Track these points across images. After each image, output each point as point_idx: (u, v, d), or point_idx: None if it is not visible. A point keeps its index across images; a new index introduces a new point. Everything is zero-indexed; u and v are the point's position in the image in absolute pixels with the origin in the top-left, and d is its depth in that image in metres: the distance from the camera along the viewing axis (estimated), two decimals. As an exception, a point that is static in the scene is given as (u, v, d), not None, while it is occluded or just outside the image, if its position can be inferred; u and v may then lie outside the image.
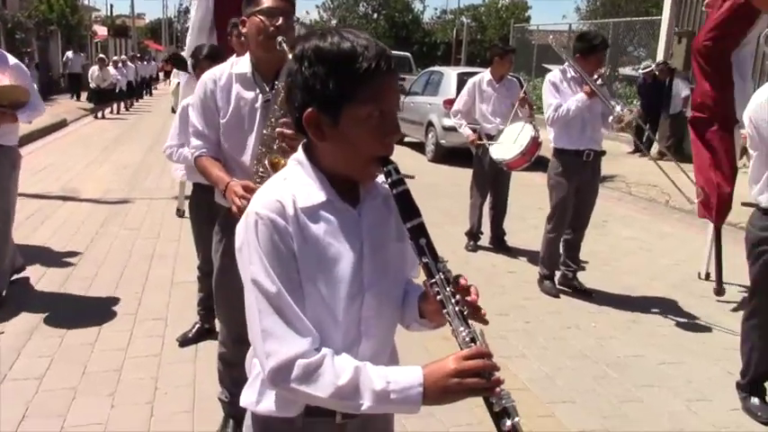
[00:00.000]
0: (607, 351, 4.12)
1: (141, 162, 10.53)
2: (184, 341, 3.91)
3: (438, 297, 1.26)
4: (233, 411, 2.91)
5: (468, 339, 1.23)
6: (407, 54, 18.85)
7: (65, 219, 6.71)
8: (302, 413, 1.34)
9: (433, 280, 1.26)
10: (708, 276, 5.61)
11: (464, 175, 7.59)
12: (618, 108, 4.68)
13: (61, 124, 15.03)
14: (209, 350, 3.69)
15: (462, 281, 1.29)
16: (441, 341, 4.14)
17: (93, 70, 17.77)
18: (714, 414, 3.41)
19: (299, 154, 1.34)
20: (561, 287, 5.18)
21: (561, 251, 5.21)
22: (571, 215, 5.08)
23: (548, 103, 4.89)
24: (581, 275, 5.26)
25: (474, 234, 6.31)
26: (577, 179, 4.94)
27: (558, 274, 5.24)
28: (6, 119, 4.13)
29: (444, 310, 1.25)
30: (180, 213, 6.82)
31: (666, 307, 4.97)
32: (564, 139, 4.93)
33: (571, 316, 4.68)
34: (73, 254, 5.53)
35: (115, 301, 4.54)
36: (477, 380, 1.19)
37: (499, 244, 6.34)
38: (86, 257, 5.46)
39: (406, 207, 1.27)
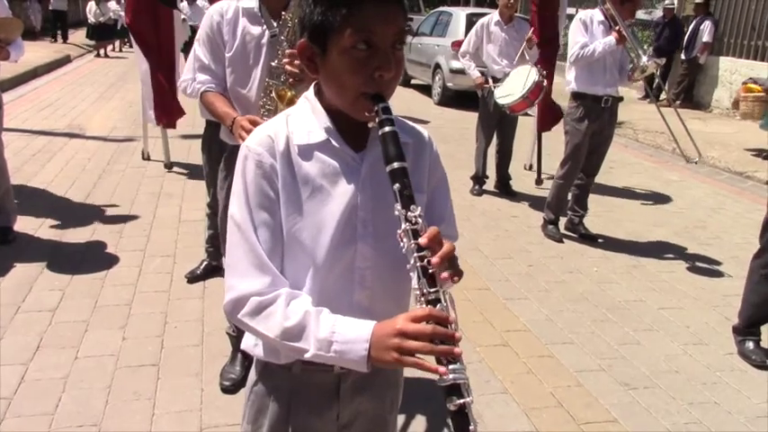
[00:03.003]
0: (607, 295, 4.19)
1: (146, 100, 10.41)
2: (192, 278, 3.97)
3: (403, 249, 1.16)
4: (240, 345, 2.98)
5: (424, 300, 1.11)
6: (416, -7, 18.39)
7: (71, 156, 6.72)
8: (300, 360, 1.30)
9: (400, 230, 1.15)
10: (531, 167, 7.00)
11: (470, 119, 7.54)
12: (644, 59, 4.57)
13: (65, 60, 14.86)
14: (217, 287, 3.77)
15: (430, 233, 1.14)
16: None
17: (91, 6, 17.06)
18: (709, 357, 3.50)
19: (310, 90, 1.30)
20: (566, 232, 5.22)
21: (570, 196, 5.22)
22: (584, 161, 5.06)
23: (575, 40, 4.75)
24: (585, 221, 5.28)
25: (479, 178, 6.32)
26: (594, 126, 4.87)
27: (564, 219, 5.27)
28: (1, 54, 3.87)
29: (408, 265, 1.15)
30: (144, 156, 6.85)
31: (668, 253, 5.02)
32: (585, 82, 4.81)
33: (573, 260, 4.74)
34: (80, 191, 5.56)
35: (124, 237, 4.60)
36: (417, 344, 1.07)
37: (504, 188, 6.35)
38: (94, 195, 5.50)
39: (390, 149, 1.16)
